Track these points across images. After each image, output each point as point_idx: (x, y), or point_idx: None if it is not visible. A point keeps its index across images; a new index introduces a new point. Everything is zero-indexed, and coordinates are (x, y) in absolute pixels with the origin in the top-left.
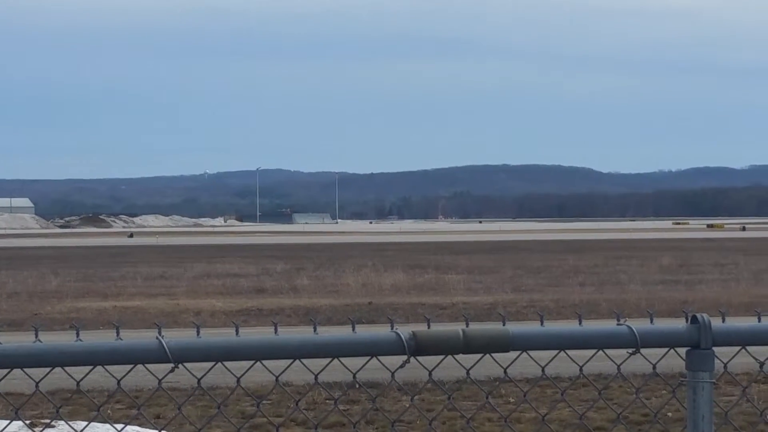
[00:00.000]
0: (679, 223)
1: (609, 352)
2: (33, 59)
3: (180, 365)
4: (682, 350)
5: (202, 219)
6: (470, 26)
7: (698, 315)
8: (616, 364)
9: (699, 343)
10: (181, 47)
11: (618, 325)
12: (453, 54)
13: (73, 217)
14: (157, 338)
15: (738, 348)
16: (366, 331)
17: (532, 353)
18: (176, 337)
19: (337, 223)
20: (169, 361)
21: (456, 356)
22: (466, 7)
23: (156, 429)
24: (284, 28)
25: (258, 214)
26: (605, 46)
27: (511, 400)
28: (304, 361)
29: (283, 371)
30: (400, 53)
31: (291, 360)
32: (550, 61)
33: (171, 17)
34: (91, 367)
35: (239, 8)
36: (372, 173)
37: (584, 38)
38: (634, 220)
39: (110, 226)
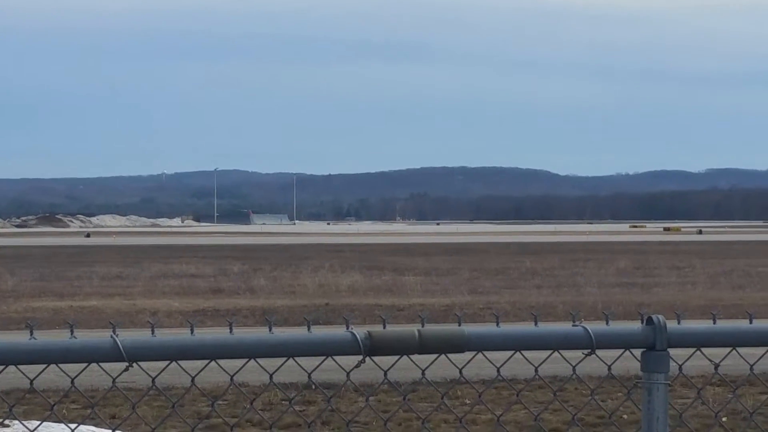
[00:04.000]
0: (636, 226)
1: (565, 353)
2: None
3: (134, 364)
4: (638, 352)
5: (160, 219)
6: (428, 30)
7: (654, 316)
8: (571, 365)
9: (654, 345)
10: (139, 48)
11: (573, 326)
12: (411, 57)
13: (30, 217)
14: (111, 337)
15: (693, 350)
16: (322, 331)
17: (488, 354)
18: (131, 336)
19: (294, 224)
20: (123, 360)
21: (412, 357)
22: (424, 11)
23: (111, 429)
24: (241, 29)
25: (215, 214)
26: (563, 50)
27: (467, 401)
28: (260, 361)
29: (238, 371)
30: (357, 56)
31: (246, 360)
32: (508, 65)
33: (130, 18)
34: (45, 366)
35: (197, 9)
36: (330, 174)
37: (543, 42)
38: (591, 223)
39: (67, 226)
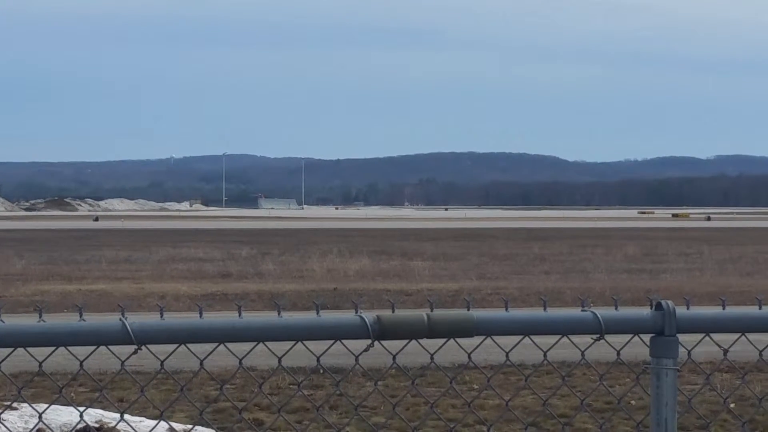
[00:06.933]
0: (644, 212)
1: (573, 339)
2: None
3: (143, 347)
4: (647, 338)
5: (168, 203)
6: (437, 16)
7: (663, 301)
8: (580, 350)
9: (663, 330)
10: (149, 32)
11: (582, 311)
12: (420, 43)
13: (39, 200)
14: (120, 320)
15: (702, 336)
16: (331, 315)
17: (497, 339)
18: (140, 319)
19: (302, 208)
20: (132, 343)
21: (420, 342)
22: None
23: (119, 412)
24: (251, 14)
25: (224, 198)
26: (573, 36)
27: (475, 386)
28: (269, 344)
29: (246, 354)
30: (367, 41)
31: (254, 343)
32: (517, 51)
33: (139, 2)
34: (54, 348)
35: None
36: (338, 159)
37: (552, 28)
38: (599, 209)
39: (76, 210)
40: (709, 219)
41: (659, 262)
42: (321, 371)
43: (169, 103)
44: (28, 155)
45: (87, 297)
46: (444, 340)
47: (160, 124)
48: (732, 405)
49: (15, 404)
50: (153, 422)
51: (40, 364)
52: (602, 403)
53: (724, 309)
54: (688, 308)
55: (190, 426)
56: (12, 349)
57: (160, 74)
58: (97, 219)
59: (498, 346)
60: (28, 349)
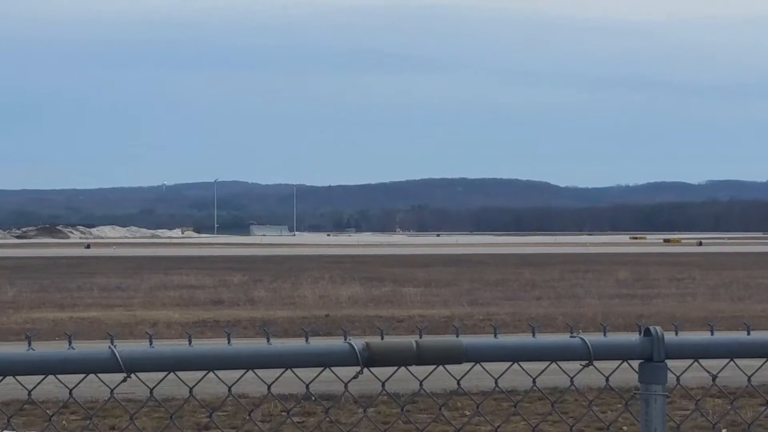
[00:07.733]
0: (636, 238)
1: (563, 365)
2: None
3: (132, 375)
4: (636, 364)
5: (160, 230)
6: (427, 41)
7: (651, 327)
8: (569, 376)
9: (652, 356)
10: (139, 58)
11: (571, 337)
12: (411, 68)
13: (30, 228)
14: (109, 347)
15: (691, 361)
16: (320, 342)
17: (487, 366)
18: (130, 347)
19: (294, 235)
20: (121, 371)
21: (410, 368)
22: (422, 22)
23: None
24: (242, 40)
25: (216, 225)
26: (563, 61)
27: (467, 412)
28: (258, 372)
29: (236, 382)
30: (357, 67)
31: (244, 371)
32: (508, 76)
33: (127, 28)
34: (43, 376)
35: (196, 20)
36: (330, 186)
37: (542, 53)
38: (591, 234)
39: (67, 237)
40: (700, 244)
41: (651, 287)
42: (312, 398)
43: (160, 130)
44: (19, 183)
45: (79, 325)
46: (433, 366)
47: (152, 151)
48: (723, 430)
49: None
50: None
51: (30, 392)
52: (593, 429)
53: (712, 334)
54: (677, 334)
55: None
56: (2, 377)
57: (151, 101)
58: (88, 246)
59: (487, 372)
60: (18, 377)
